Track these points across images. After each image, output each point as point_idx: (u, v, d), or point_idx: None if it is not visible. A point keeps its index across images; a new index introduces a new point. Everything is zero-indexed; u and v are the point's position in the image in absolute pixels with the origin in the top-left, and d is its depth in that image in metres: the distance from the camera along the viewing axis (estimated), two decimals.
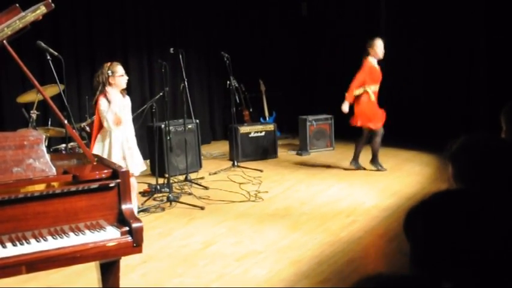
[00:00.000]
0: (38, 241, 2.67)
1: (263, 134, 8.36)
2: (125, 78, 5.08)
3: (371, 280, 1.11)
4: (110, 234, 2.80)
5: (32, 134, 2.91)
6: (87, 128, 6.23)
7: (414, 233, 1.29)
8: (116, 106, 4.92)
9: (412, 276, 1.16)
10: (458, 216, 1.26)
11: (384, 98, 9.67)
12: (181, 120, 7.32)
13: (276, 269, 4.21)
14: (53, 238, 2.71)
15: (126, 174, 2.92)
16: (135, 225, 2.84)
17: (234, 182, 6.95)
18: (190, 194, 6.37)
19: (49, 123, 6.56)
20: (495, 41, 7.91)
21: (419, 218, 1.30)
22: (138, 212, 5.51)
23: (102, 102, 4.93)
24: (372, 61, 6.87)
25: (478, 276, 1.19)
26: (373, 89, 6.90)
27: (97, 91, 4.98)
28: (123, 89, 5.09)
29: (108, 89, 4.94)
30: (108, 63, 5.05)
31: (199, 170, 7.50)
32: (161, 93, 6.37)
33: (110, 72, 4.95)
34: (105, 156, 4.81)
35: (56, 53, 4.60)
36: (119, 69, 5.03)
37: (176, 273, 4.19)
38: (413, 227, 1.30)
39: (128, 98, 5.20)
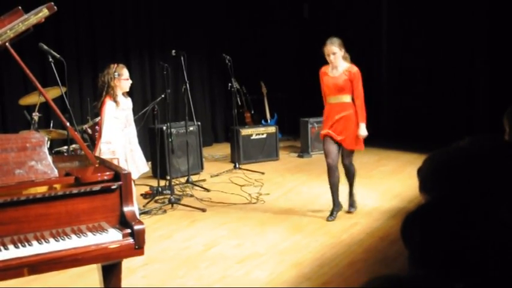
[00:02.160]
0: (40, 243, 2.67)
1: (264, 136, 8.36)
2: (129, 82, 5.12)
3: (383, 280, 1.11)
4: (112, 237, 2.80)
5: (34, 136, 2.91)
6: (89, 130, 6.23)
7: (412, 239, 1.28)
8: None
9: (424, 276, 1.16)
10: (457, 220, 1.26)
11: (385, 100, 9.74)
12: (182, 122, 7.32)
13: (278, 271, 4.21)
14: (55, 240, 2.71)
15: (128, 177, 2.92)
16: (136, 227, 2.84)
17: (236, 184, 6.95)
18: (191, 196, 6.37)
19: (51, 125, 6.56)
20: (497, 42, 7.92)
21: (417, 223, 1.29)
22: (140, 214, 5.51)
23: (108, 105, 4.92)
24: (325, 67, 5.57)
25: (477, 279, 1.19)
26: (330, 101, 5.53)
27: (103, 91, 4.98)
28: (125, 91, 5.11)
29: (117, 91, 4.95)
30: (115, 65, 5.06)
31: (200, 172, 7.50)
32: (163, 95, 6.38)
33: (116, 74, 4.96)
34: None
35: (58, 56, 4.61)
36: (125, 72, 5.06)
37: (178, 275, 4.20)
38: (410, 232, 1.29)
39: (129, 99, 5.22)
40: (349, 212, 5.61)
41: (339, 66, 5.38)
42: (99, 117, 5.55)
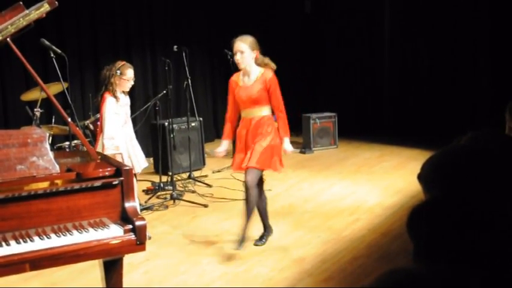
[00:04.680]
0: (41, 239, 2.67)
1: None
2: (130, 83, 5.02)
3: (398, 274, 1.10)
4: (113, 232, 2.80)
5: (36, 131, 2.91)
6: (91, 126, 6.23)
7: (418, 233, 1.28)
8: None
9: (438, 271, 1.16)
10: (463, 215, 1.25)
11: (387, 96, 9.73)
12: (184, 118, 7.32)
13: (279, 267, 4.21)
14: (57, 236, 2.71)
15: (130, 172, 2.92)
16: (138, 223, 2.83)
17: (238, 179, 6.92)
18: (193, 192, 6.37)
19: (53, 121, 6.57)
20: (499, 37, 7.89)
21: (423, 217, 1.29)
22: (141, 210, 5.52)
23: (108, 101, 4.88)
24: (236, 75, 4.60)
25: (481, 274, 1.19)
26: (244, 115, 4.58)
27: (103, 85, 4.94)
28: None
29: (116, 88, 4.91)
30: (122, 63, 4.97)
31: (202, 168, 7.50)
32: (165, 91, 6.38)
33: (118, 71, 4.90)
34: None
35: (59, 51, 4.61)
36: (129, 72, 4.96)
37: (179, 271, 4.20)
38: (417, 226, 1.29)
39: (127, 97, 5.18)
40: (255, 244, 4.67)
41: (251, 72, 4.44)
42: None
